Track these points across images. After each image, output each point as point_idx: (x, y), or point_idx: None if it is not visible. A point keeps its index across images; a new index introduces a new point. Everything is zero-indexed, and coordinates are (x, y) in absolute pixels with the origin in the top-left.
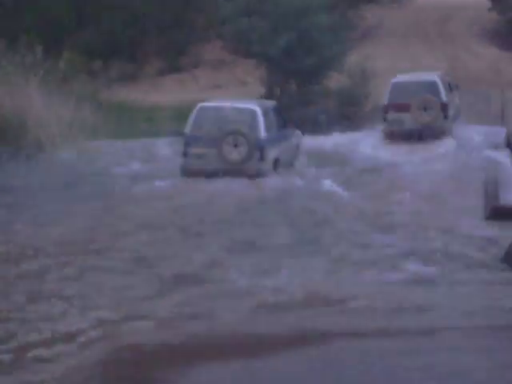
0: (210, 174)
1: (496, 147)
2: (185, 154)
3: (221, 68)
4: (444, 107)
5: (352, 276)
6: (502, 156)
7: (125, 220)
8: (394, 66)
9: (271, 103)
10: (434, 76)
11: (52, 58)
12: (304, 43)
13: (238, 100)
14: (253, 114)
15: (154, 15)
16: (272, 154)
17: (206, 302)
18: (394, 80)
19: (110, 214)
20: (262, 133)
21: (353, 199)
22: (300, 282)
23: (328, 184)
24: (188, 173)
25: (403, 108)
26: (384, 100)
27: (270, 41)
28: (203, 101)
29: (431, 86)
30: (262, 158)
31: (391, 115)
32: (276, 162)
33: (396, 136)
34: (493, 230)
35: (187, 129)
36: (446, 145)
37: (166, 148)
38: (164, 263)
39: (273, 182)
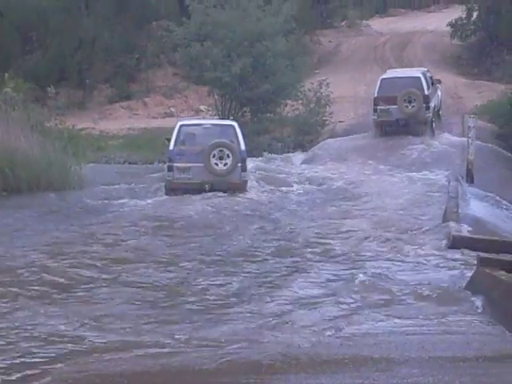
0: (196, 186)
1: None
2: (169, 169)
3: (173, 95)
4: (426, 99)
5: None
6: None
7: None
8: (351, 92)
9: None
10: (417, 72)
11: None
12: (258, 69)
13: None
14: (233, 129)
15: (103, 41)
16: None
17: None
18: (383, 76)
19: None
20: (242, 146)
21: None
22: None
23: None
24: (174, 185)
25: (391, 100)
26: (374, 94)
27: (224, 67)
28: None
29: (415, 81)
30: (243, 169)
31: (380, 107)
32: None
33: (385, 125)
34: None
35: (170, 145)
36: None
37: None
38: None
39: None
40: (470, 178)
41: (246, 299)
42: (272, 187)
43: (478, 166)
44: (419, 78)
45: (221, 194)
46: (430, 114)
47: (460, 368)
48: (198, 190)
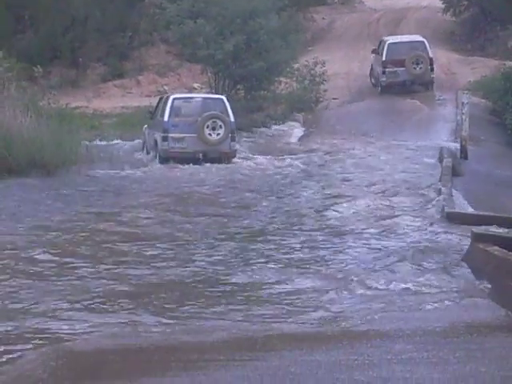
0: (190, 155)
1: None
2: (164, 139)
3: (166, 73)
4: (431, 62)
5: None
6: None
7: None
8: (345, 69)
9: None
10: (420, 37)
11: None
12: (252, 47)
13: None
14: (223, 102)
15: (95, 19)
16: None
17: None
18: (390, 41)
19: None
20: (232, 118)
21: None
22: None
23: None
24: (169, 154)
25: (399, 63)
26: (382, 57)
27: (217, 44)
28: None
29: (420, 45)
30: (233, 139)
31: (389, 69)
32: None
33: (393, 86)
34: None
35: (165, 117)
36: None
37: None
38: None
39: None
40: (464, 154)
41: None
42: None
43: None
44: (423, 42)
45: None
46: (434, 75)
47: (454, 343)
48: (192, 158)
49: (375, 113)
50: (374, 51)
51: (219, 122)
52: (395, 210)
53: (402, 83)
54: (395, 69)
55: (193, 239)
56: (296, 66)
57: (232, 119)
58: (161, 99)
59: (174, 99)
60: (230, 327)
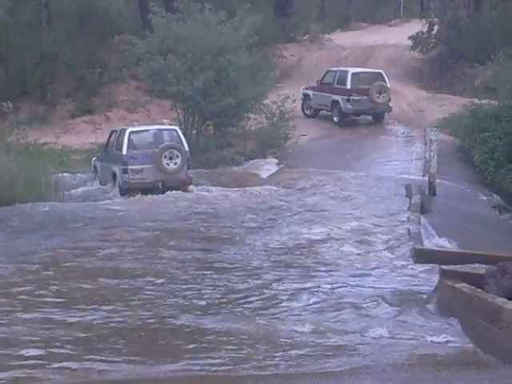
0: (150, 185)
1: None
2: (124, 171)
3: (135, 109)
4: (390, 91)
5: None
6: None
7: None
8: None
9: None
10: (378, 69)
11: None
12: (221, 83)
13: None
14: (177, 133)
15: (65, 55)
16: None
17: None
18: (352, 71)
19: None
20: (186, 147)
21: None
22: None
23: None
24: (129, 186)
25: (362, 92)
26: (346, 86)
27: (187, 81)
28: None
29: (380, 76)
30: (188, 167)
31: (353, 97)
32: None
33: (355, 114)
34: None
35: (123, 150)
36: None
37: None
38: None
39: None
40: (432, 191)
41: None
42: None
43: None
44: (382, 73)
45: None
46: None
47: (423, 380)
48: (151, 188)
49: (344, 149)
50: (318, 82)
51: (176, 152)
52: (365, 247)
53: (364, 111)
54: (360, 97)
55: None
56: (265, 102)
57: (187, 148)
58: (113, 132)
59: (131, 132)
60: None
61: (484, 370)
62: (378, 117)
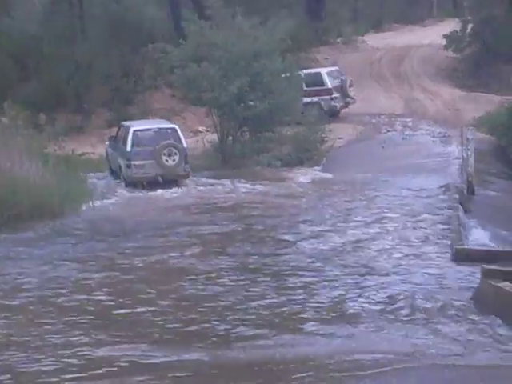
0: (151, 179)
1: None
2: (128, 166)
3: (171, 117)
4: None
5: None
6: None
7: None
8: (350, 109)
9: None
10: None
11: None
12: (256, 89)
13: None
14: (175, 131)
15: (99, 65)
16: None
17: None
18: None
19: None
20: (184, 144)
21: None
22: None
23: None
24: (133, 180)
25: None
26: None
27: (221, 87)
28: None
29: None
30: (186, 162)
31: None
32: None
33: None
34: None
35: (127, 147)
36: None
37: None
38: None
39: None
40: (470, 190)
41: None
42: None
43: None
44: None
45: None
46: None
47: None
48: (152, 181)
49: (380, 150)
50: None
51: (174, 150)
52: (406, 248)
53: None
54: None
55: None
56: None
57: (185, 145)
58: (121, 126)
59: (135, 131)
60: None
61: None
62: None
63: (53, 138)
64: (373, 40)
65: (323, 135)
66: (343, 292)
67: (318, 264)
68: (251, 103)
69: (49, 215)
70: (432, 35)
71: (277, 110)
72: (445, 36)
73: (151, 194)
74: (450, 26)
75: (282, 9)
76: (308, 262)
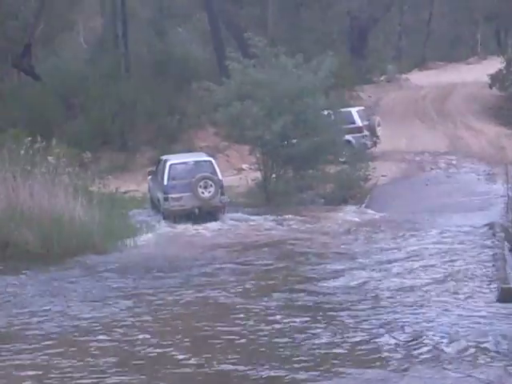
0: (188, 211)
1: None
2: (166, 199)
3: (214, 155)
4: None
5: None
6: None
7: None
8: (392, 147)
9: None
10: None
11: (40, 151)
12: (299, 127)
13: (189, 154)
14: (211, 164)
15: (144, 103)
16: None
17: None
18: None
19: None
20: (220, 176)
21: None
22: None
23: None
24: (170, 212)
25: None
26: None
27: (265, 125)
28: None
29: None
30: (222, 194)
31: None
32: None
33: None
34: None
35: (164, 181)
36: None
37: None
38: None
39: None
40: None
41: None
42: None
43: None
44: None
45: None
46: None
47: None
48: (189, 213)
49: (425, 189)
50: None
51: (210, 182)
52: (451, 286)
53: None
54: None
55: None
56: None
57: (220, 177)
58: (160, 160)
59: (171, 165)
60: None
61: None
62: None
63: (97, 176)
64: (416, 78)
65: (367, 173)
66: (396, 328)
67: (369, 301)
68: (294, 141)
69: (92, 251)
70: (476, 73)
71: (320, 147)
72: (489, 74)
73: (193, 229)
74: (494, 63)
75: (326, 48)
76: (357, 300)
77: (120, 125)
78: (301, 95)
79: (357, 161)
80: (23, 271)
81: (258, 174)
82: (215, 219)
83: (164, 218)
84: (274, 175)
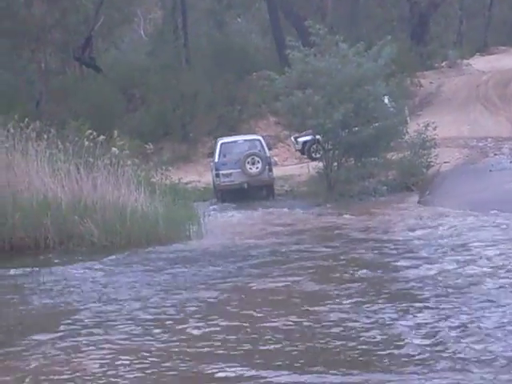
0: (237, 186)
1: None
2: (217, 175)
3: (276, 144)
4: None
5: None
6: None
7: None
8: (455, 133)
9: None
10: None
11: (103, 143)
12: (360, 115)
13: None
14: (260, 142)
15: (204, 94)
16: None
17: None
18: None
19: None
20: (267, 153)
21: None
22: None
23: None
24: (221, 187)
25: None
26: None
27: (326, 114)
28: None
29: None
30: (270, 170)
31: None
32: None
33: None
34: None
35: (216, 158)
36: None
37: None
38: None
39: None
40: None
41: None
42: None
43: None
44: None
45: None
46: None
47: None
48: (239, 188)
49: (488, 176)
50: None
51: (257, 158)
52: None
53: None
54: None
55: None
56: (406, 131)
57: (268, 154)
58: (216, 142)
59: (222, 143)
60: None
61: None
62: None
63: (159, 167)
64: (478, 63)
65: (429, 160)
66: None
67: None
68: (356, 129)
69: (156, 242)
70: None
71: (382, 135)
72: None
73: (251, 215)
74: None
75: (386, 34)
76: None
77: (181, 116)
78: (361, 83)
79: (419, 147)
80: (92, 262)
81: (320, 163)
82: (266, 198)
83: (217, 196)
84: (335, 163)
